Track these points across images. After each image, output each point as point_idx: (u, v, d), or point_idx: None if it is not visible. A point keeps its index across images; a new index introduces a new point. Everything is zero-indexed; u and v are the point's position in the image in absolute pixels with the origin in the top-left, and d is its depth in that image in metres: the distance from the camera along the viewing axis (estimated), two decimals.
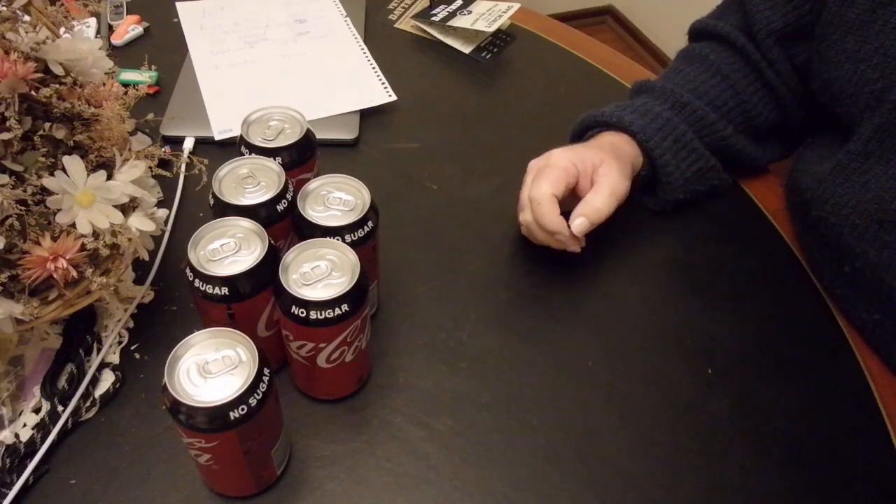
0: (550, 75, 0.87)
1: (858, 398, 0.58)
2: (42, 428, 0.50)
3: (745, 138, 0.70)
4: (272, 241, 0.49)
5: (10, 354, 0.54)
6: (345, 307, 0.46)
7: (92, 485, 0.49)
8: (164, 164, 0.54)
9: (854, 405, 0.57)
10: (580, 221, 0.58)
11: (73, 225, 0.46)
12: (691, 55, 0.72)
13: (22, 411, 0.52)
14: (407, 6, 0.95)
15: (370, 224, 0.52)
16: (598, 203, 0.59)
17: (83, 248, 0.46)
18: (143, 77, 0.77)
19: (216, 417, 0.41)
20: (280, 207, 0.52)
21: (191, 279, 0.47)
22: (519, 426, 0.54)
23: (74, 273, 0.46)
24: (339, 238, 0.50)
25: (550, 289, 0.64)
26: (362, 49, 0.86)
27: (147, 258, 0.53)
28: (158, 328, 0.58)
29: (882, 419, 0.56)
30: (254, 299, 0.48)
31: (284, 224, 0.53)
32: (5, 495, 0.47)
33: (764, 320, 0.62)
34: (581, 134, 0.70)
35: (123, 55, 0.83)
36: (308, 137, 0.57)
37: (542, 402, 0.56)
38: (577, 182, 0.61)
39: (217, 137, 0.74)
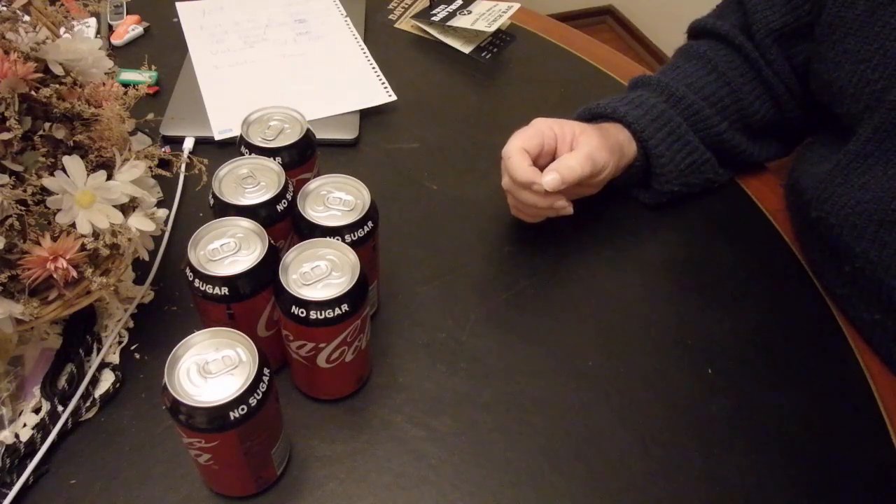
0: (550, 75, 0.87)
1: (858, 398, 0.58)
2: (42, 428, 0.50)
3: (741, 135, 0.70)
4: (272, 241, 0.49)
5: (10, 354, 0.54)
6: (345, 307, 0.46)
7: (92, 485, 0.49)
8: (164, 164, 0.54)
9: (854, 405, 0.57)
10: (552, 177, 0.58)
11: (73, 225, 0.46)
12: (689, 52, 0.72)
13: (22, 411, 0.52)
14: (407, 6, 0.95)
15: (370, 224, 0.52)
16: (571, 161, 0.59)
17: (83, 248, 0.46)
18: (143, 77, 0.77)
19: (216, 417, 0.41)
20: (280, 207, 0.52)
21: (191, 279, 0.47)
22: (519, 426, 0.54)
23: (74, 273, 0.46)
24: (339, 238, 0.50)
25: (550, 289, 0.64)
26: (362, 49, 0.86)
27: (147, 258, 0.53)
28: (158, 328, 0.58)
29: (882, 419, 0.56)
30: (254, 299, 0.48)
31: (284, 224, 0.53)
32: (5, 495, 0.47)
33: (764, 320, 0.62)
34: None
35: (123, 55, 0.83)
36: (308, 137, 0.57)
37: (542, 402, 0.56)
38: (554, 147, 0.62)
39: (217, 137, 0.74)
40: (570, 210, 0.61)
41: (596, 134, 0.62)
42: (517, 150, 0.60)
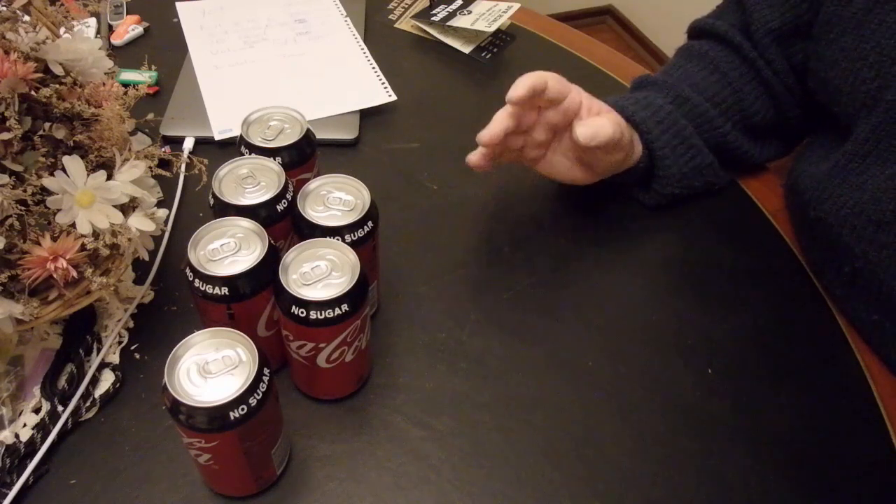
0: None
1: (858, 398, 0.58)
2: (42, 428, 0.50)
3: (743, 136, 0.70)
4: (272, 241, 0.49)
5: (10, 354, 0.54)
6: (345, 307, 0.46)
7: (92, 485, 0.49)
8: (164, 164, 0.54)
9: (854, 405, 0.57)
10: (583, 129, 0.57)
11: (73, 225, 0.46)
12: (690, 52, 0.72)
13: (22, 411, 0.52)
14: (407, 6, 0.95)
15: (370, 224, 0.52)
16: (603, 120, 0.58)
17: (83, 248, 0.46)
18: (143, 77, 0.77)
19: (216, 417, 0.41)
20: (280, 207, 0.52)
21: (191, 279, 0.47)
22: (519, 426, 0.54)
23: (74, 273, 0.46)
24: (339, 238, 0.50)
25: (550, 289, 0.64)
26: (362, 49, 0.86)
27: (147, 258, 0.53)
28: (158, 328, 0.58)
29: (882, 419, 0.56)
30: (254, 299, 0.48)
31: (284, 224, 0.53)
32: (5, 495, 0.47)
33: (764, 320, 0.62)
34: None
35: (123, 55, 0.83)
36: (308, 137, 0.57)
37: (542, 402, 0.56)
38: (576, 112, 0.61)
39: (217, 137, 0.74)
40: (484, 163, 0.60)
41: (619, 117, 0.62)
42: (547, 74, 0.58)
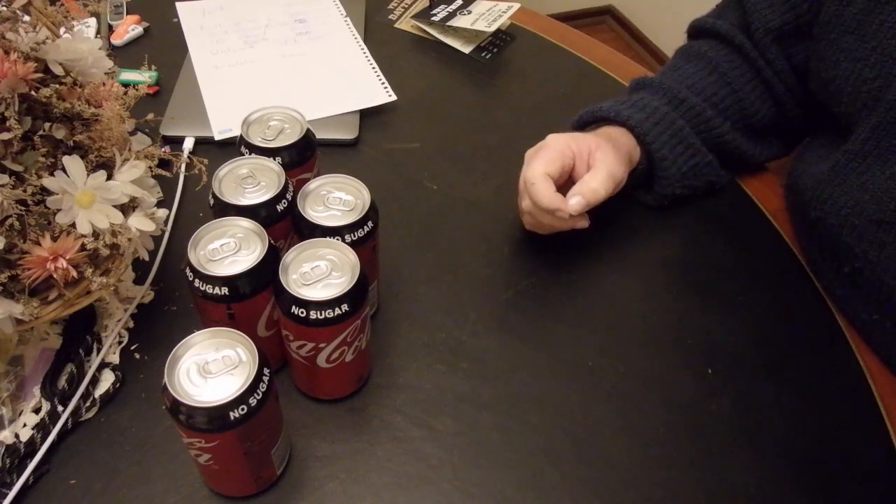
0: (550, 75, 0.87)
1: (858, 398, 0.58)
2: (42, 428, 0.50)
3: (742, 136, 0.70)
4: (272, 241, 0.49)
5: (10, 354, 0.54)
6: (345, 307, 0.46)
7: (92, 485, 0.49)
8: (164, 164, 0.54)
9: (854, 405, 0.57)
10: (576, 200, 0.58)
11: (73, 225, 0.46)
12: (689, 52, 0.72)
13: (22, 411, 0.52)
14: (407, 6, 0.95)
15: (370, 224, 0.52)
16: (594, 184, 0.59)
17: (83, 248, 0.46)
18: (143, 77, 0.77)
19: (216, 417, 0.41)
20: (280, 207, 0.52)
21: (191, 279, 0.47)
22: (519, 426, 0.54)
23: (74, 273, 0.46)
24: (339, 238, 0.50)
25: (550, 289, 0.64)
26: (362, 49, 0.86)
27: (147, 258, 0.53)
28: (158, 328, 0.58)
29: (881, 419, 0.56)
30: (254, 299, 0.48)
31: (284, 224, 0.53)
32: (5, 495, 0.47)
33: (764, 320, 0.62)
34: (580, 129, 0.70)
35: (123, 55, 0.83)
36: (308, 137, 0.57)
37: (542, 402, 0.56)
38: (573, 165, 0.61)
39: (217, 137, 0.74)
40: (586, 224, 0.61)
41: (611, 148, 0.62)
42: (541, 176, 0.59)
